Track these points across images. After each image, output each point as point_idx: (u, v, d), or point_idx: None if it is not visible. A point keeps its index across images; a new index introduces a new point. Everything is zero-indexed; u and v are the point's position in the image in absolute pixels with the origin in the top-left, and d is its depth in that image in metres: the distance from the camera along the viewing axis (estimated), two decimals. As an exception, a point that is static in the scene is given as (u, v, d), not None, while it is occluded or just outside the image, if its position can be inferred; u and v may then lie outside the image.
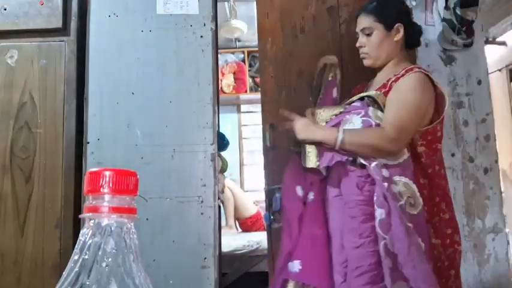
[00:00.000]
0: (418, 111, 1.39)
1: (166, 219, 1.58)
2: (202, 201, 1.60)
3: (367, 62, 1.55)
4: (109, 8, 1.72)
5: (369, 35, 1.51)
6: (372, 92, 1.45)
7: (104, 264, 0.39)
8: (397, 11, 1.55)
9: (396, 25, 1.51)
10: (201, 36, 1.71)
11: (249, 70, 4.49)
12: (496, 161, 2.11)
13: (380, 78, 1.55)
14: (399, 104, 1.38)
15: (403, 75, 1.44)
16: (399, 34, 1.52)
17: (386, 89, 1.45)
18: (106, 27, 1.71)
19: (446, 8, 2.11)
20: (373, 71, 1.60)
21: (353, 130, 1.35)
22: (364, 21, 1.52)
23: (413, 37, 1.57)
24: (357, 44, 1.55)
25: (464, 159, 2.08)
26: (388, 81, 1.47)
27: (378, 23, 1.50)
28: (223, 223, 2.96)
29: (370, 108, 1.40)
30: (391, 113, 1.37)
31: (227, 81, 4.45)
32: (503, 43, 3.77)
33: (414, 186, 1.31)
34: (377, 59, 1.53)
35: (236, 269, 2.89)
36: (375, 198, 1.24)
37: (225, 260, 2.43)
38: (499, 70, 3.87)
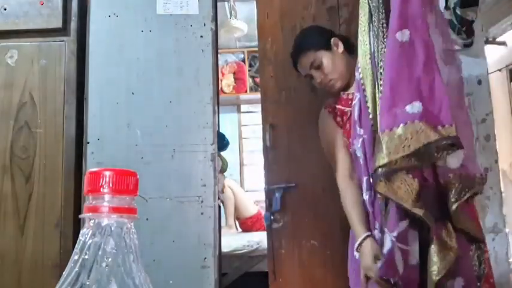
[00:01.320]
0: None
1: (166, 219, 1.58)
2: (202, 201, 1.60)
3: (338, 85, 1.54)
4: (109, 8, 1.72)
5: (319, 66, 1.52)
6: None
7: (104, 264, 0.39)
8: (320, 31, 1.62)
9: (332, 40, 1.55)
10: (201, 36, 1.71)
11: (249, 70, 4.49)
12: (496, 161, 2.11)
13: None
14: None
15: None
16: (340, 46, 1.55)
17: None
18: (106, 27, 1.71)
19: (446, 8, 2.11)
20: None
21: None
22: (307, 58, 1.54)
23: (347, 42, 1.59)
24: (317, 81, 1.54)
25: (464, 159, 2.07)
26: None
27: (318, 51, 1.52)
28: (223, 223, 2.96)
29: None
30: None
31: (227, 81, 4.45)
32: (503, 43, 3.76)
33: None
34: (342, 77, 1.53)
35: (236, 269, 2.89)
36: None
37: (225, 260, 2.43)
38: (499, 70, 3.87)
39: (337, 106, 1.55)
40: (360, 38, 1.37)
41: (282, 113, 1.98)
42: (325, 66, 1.51)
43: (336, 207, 1.51)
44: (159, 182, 1.60)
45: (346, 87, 1.54)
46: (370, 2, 1.33)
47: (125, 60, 1.69)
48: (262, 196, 2.11)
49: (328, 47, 1.53)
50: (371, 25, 1.32)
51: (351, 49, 1.57)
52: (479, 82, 2.14)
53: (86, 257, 0.40)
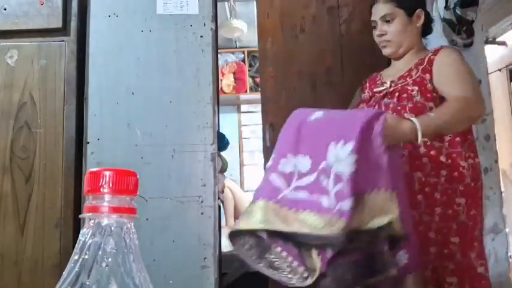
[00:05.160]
0: (475, 80, 1.41)
1: (166, 219, 1.58)
2: (202, 201, 1.60)
3: (388, 51, 1.48)
4: (109, 8, 1.72)
5: (389, 21, 1.45)
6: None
7: (104, 264, 0.39)
8: None
9: (417, 11, 1.47)
10: (201, 36, 1.71)
11: (249, 70, 4.48)
12: (496, 161, 2.12)
13: (400, 66, 1.50)
14: (459, 74, 1.35)
15: (436, 53, 1.42)
16: (420, 21, 1.48)
17: (424, 65, 1.41)
18: (106, 27, 1.71)
19: (446, 8, 2.11)
20: (373, 69, 1.59)
21: (428, 116, 1.26)
22: (384, 8, 1.46)
23: (429, 24, 1.53)
24: (377, 32, 1.48)
25: (464, 159, 2.07)
26: (417, 65, 1.43)
27: (399, 8, 1.44)
28: (223, 223, 2.95)
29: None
30: (459, 83, 1.33)
31: (227, 81, 4.45)
32: (503, 43, 3.76)
33: None
34: (399, 46, 1.47)
35: (236, 269, 2.89)
36: None
37: (225, 260, 2.43)
38: (499, 70, 3.87)
39: (366, 84, 1.56)
40: None
41: (282, 113, 1.97)
42: (394, 26, 1.45)
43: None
44: (159, 182, 1.60)
45: (398, 57, 1.50)
46: None
47: (125, 60, 1.69)
48: (262, 196, 2.10)
49: (410, 13, 1.46)
50: None
51: (426, 30, 1.53)
52: (479, 82, 2.14)
53: (86, 257, 0.40)
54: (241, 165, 4.62)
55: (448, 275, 1.30)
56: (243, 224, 1.09)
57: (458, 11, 2.06)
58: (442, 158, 1.35)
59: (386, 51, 1.50)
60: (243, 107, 4.74)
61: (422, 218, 1.31)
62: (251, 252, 1.08)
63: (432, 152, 1.35)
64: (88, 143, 1.63)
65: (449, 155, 1.35)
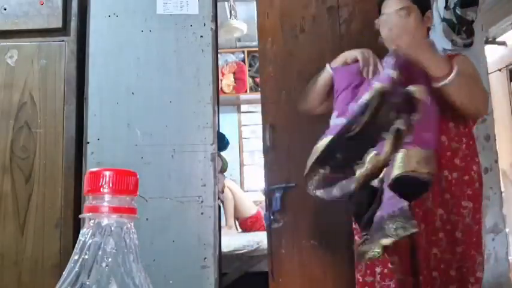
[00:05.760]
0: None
1: (166, 219, 1.58)
2: (202, 201, 1.60)
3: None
4: (109, 8, 1.72)
5: (405, 15, 1.39)
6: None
7: (104, 264, 0.39)
8: None
9: (428, 11, 1.45)
10: (201, 36, 1.71)
11: (249, 70, 4.48)
12: (496, 161, 2.11)
13: None
14: (471, 76, 1.38)
15: (450, 58, 1.41)
16: (430, 22, 1.46)
17: None
18: (106, 27, 1.71)
19: (446, 8, 2.11)
20: None
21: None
22: (400, 1, 1.40)
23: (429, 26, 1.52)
24: (390, 26, 1.41)
25: (464, 159, 2.07)
26: None
27: (415, 5, 1.40)
28: (223, 223, 2.96)
29: None
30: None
31: (227, 81, 4.45)
32: (503, 43, 3.76)
33: None
34: None
35: (236, 269, 2.89)
36: None
37: (225, 260, 2.43)
38: (499, 70, 3.87)
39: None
40: None
41: (282, 113, 1.97)
42: (410, 21, 1.39)
43: (336, 206, 1.51)
44: (159, 182, 1.60)
45: None
46: None
47: (125, 60, 1.69)
48: (262, 196, 2.10)
49: (422, 11, 1.43)
50: None
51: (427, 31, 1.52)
52: (479, 82, 2.14)
53: (86, 257, 0.40)
54: (241, 165, 4.62)
55: (469, 275, 1.30)
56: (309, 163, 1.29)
57: (458, 11, 2.06)
58: (456, 161, 1.34)
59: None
60: (243, 107, 4.75)
61: (450, 218, 1.32)
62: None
63: (448, 153, 1.34)
64: (88, 143, 1.63)
65: (465, 157, 1.35)
